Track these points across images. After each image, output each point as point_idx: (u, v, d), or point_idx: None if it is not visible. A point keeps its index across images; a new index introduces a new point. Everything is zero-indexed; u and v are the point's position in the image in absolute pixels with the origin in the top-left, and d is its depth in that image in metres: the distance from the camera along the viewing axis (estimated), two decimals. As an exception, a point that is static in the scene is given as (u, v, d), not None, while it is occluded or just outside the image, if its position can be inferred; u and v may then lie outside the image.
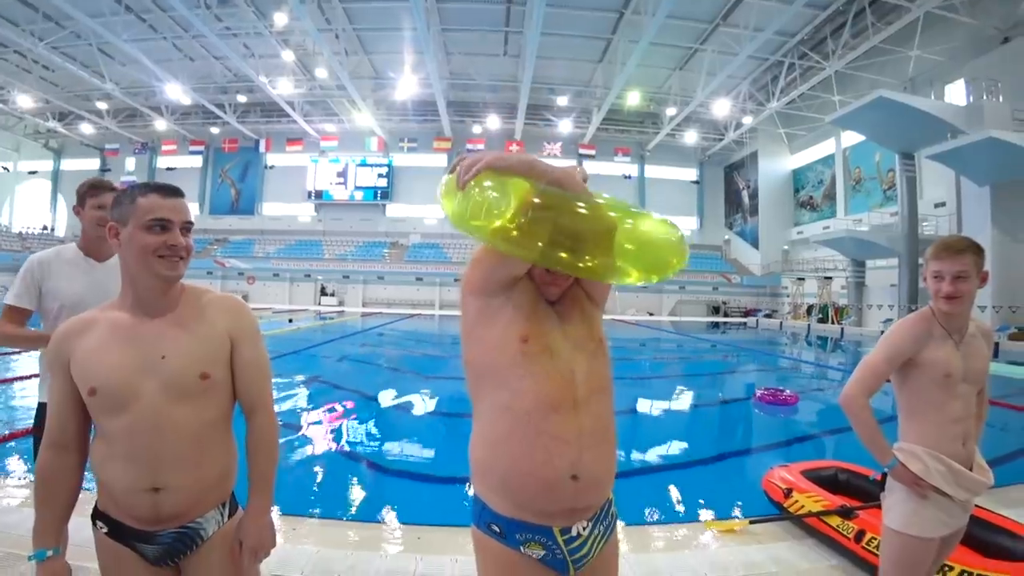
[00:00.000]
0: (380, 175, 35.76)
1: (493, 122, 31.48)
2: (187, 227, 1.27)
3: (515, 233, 1.05)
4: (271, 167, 36.89)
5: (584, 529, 1.23)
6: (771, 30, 19.74)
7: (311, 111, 32.57)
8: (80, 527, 1.38)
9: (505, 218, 1.06)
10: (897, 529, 1.74)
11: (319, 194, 36.00)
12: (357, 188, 35.94)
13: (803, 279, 28.88)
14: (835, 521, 2.90)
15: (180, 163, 36.29)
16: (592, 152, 34.08)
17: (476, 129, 32.95)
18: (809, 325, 24.32)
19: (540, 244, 1.05)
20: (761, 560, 2.78)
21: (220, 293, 1.40)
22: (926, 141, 17.15)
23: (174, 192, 1.28)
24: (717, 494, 4.27)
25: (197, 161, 36.45)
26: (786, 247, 32.30)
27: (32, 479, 2.49)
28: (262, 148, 35.49)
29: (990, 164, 15.39)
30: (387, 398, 7.92)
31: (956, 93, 19.16)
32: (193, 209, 36.12)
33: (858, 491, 3.29)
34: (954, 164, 16.53)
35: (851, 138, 26.09)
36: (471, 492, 1.31)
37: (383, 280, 31.85)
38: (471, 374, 1.30)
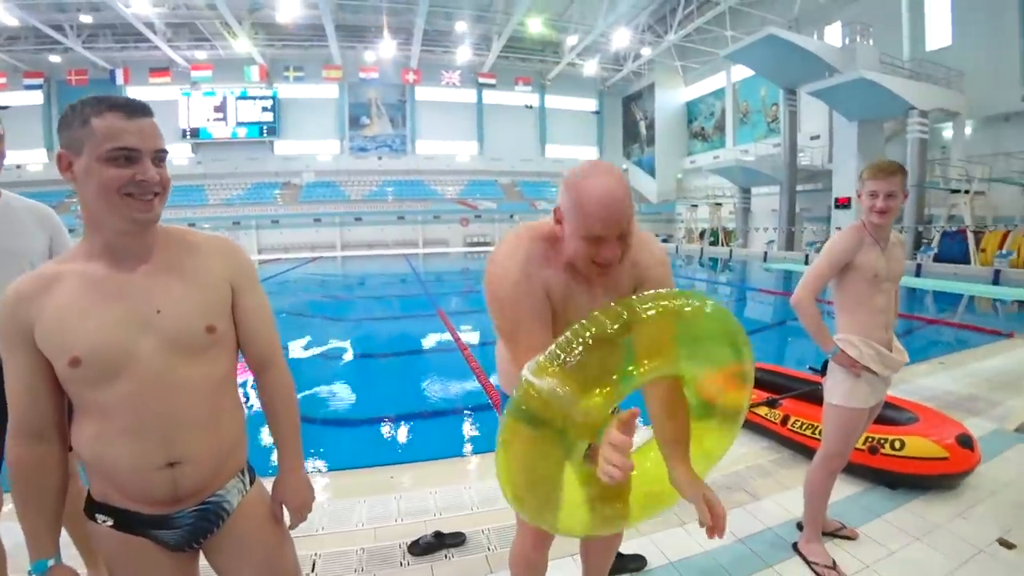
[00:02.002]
0: (265, 108, 32.02)
1: (387, 49, 29.29)
2: (160, 156, 1.03)
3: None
4: None
5: None
6: (673, -40, 19.82)
7: (177, 36, 27.93)
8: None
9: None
10: (838, 404, 2.15)
11: (195, 132, 31.51)
12: (240, 124, 31.93)
13: (696, 206, 30.90)
14: (763, 411, 3.55)
15: (13, 100, 28.80)
16: (492, 81, 33.06)
17: (369, 56, 30.54)
18: (702, 248, 26.25)
19: None
20: None
21: (207, 233, 1.21)
22: (807, 78, 18.49)
23: (140, 110, 1.01)
24: None
25: (36, 97, 29.70)
26: (680, 176, 34.09)
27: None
28: (119, 80, 29.40)
29: (859, 102, 16.98)
30: (306, 347, 7.67)
31: (833, 35, 20.64)
32: (39, 157, 30.37)
33: (774, 386, 3.93)
34: (829, 100, 18.04)
35: (740, 73, 27.49)
36: (502, 389, 1.62)
37: (278, 224, 29.48)
38: None
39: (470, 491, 2.84)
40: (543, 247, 1.27)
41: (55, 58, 28.51)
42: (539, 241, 1.27)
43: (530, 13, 25.66)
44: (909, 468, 2.75)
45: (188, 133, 31.54)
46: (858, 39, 17.73)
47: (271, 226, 29.29)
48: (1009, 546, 2.29)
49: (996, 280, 12.89)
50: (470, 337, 7.83)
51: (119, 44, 28.08)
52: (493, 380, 5.20)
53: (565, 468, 1.10)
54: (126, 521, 1.08)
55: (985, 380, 4.79)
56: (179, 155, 31.61)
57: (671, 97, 33.75)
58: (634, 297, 1.04)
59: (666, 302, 1.04)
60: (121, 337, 1.01)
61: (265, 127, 32.29)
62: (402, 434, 4.41)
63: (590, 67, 33.36)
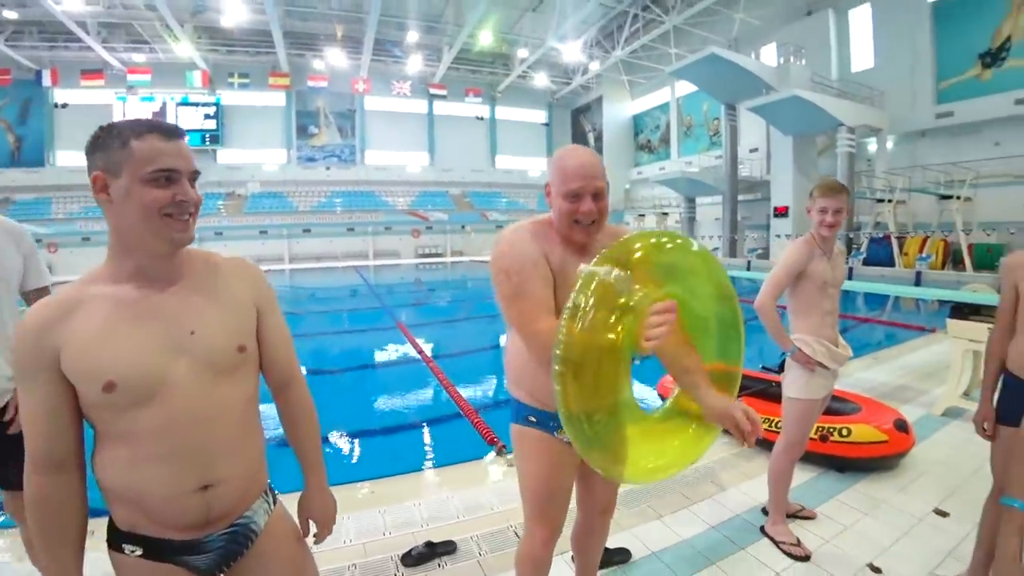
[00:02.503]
0: (207, 115, 30.60)
1: (337, 57, 28.93)
2: (194, 177, 1.05)
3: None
4: (62, 106, 29.21)
5: None
6: (620, -21, 20.62)
7: (112, 36, 26.35)
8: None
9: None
10: (796, 396, 2.42)
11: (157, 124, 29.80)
12: None
13: (643, 215, 31.90)
14: None
15: None
16: (443, 92, 33.14)
17: (318, 64, 30.02)
18: (650, 258, 27.04)
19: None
20: None
21: (229, 256, 1.23)
22: (746, 95, 19.54)
23: (176, 132, 1.03)
24: None
25: None
26: (628, 186, 35.09)
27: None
28: (46, 81, 27.60)
29: (793, 118, 18.10)
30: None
31: (769, 55, 21.93)
32: None
33: None
34: (766, 116, 19.13)
35: (684, 88, 28.70)
36: (513, 395, 1.63)
37: (221, 236, 28.22)
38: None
39: (454, 500, 2.89)
40: (542, 227, 1.48)
41: None
42: (538, 224, 1.49)
43: (481, 26, 25.92)
44: (855, 452, 3.04)
45: None
46: (791, 60, 18.93)
47: (213, 238, 28.09)
48: (943, 514, 2.62)
49: (918, 281, 14.01)
50: (432, 349, 7.84)
51: (47, 43, 26.32)
52: (462, 391, 5.28)
53: (624, 381, 1.19)
54: (156, 549, 1.05)
55: (913, 371, 5.27)
56: None
57: (618, 110, 34.79)
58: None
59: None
60: (157, 359, 1.00)
61: (208, 135, 30.88)
62: (375, 448, 4.40)
63: (540, 80, 34.01)
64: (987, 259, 14.80)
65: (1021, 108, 15.87)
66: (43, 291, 1.88)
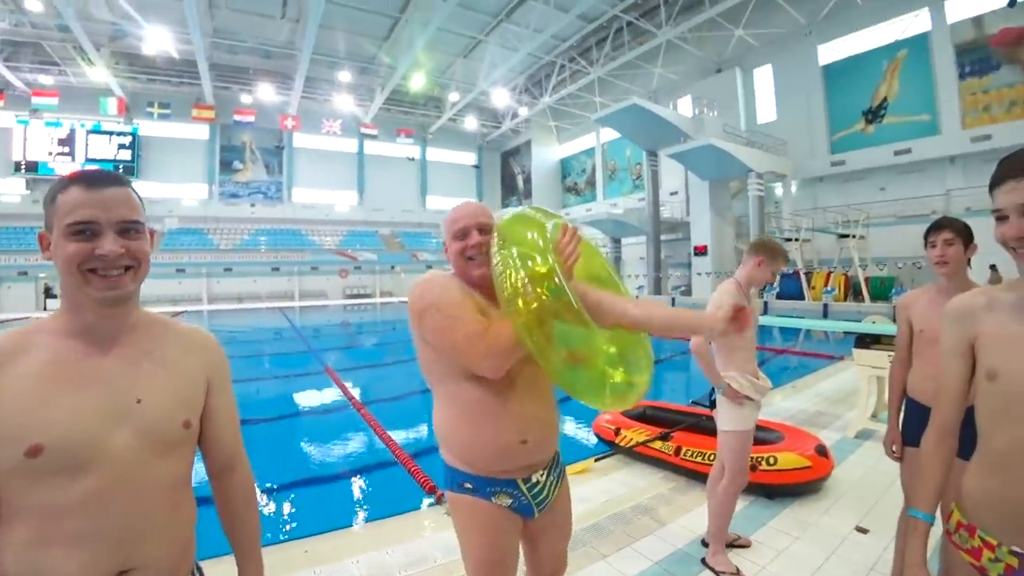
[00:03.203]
0: (122, 145, 28.87)
1: (266, 92, 28.46)
2: (129, 227, 0.95)
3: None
4: None
5: (541, 476, 1.51)
6: (548, 33, 21.86)
7: (17, 55, 24.69)
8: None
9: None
10: (731, 429, 2.54)
11: (33, 166, 27.25)
12: (90, 161, 28.20)
13: (573, 256, 32.72)
14: (658, 445, 3.86)
15: None
16: (375, 132, 33.17)
17: (245, 99, 29.34)
18: (581, 297, 27.69)
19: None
20: (612, 487, 3.56)
21: (186, 324, 1.15)
22: (666, 142, 20.88)
23: (106, 180, 0.94)
24: (561, 444, 4.89)
25: None
26: (580, 235, 36.07)
27: None
28: None
29: (709, 164, 19.49)
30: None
31: (685, 106, 23.65)
32: None
33: (663, 420, 4.35)
34: (684, 162, 20.47)
35: (608, 135, 30.28)
36: (445, 461, 1.51)
37: (133, 272, 26.52)
38: (431, 369, 1.47)
39: (394, 555, 2.75)
40: (450, 277, 1.51)
41: None
42: (447, 275, 1.52)
43: (414, 69, 26.39)
44: (782, 479, 3.18)
45: (24, 166, 27.24)
46: (705, 111, 20.51)
47: (124, 276, 26.15)
48: (864, 531, 2.80)
49: (826, 313, 15.18)
50: (362, 394, 7.56)
51: None
52: (396, 437, 5.08)
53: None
54: None
55: (827, 398, 5.65)
56: (10, 190, 27.14)
57: (546, 154, 36.10)
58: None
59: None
60: (96, 426, 0.90)
61: (122, 165, 28.91)
62: (307, 503, 4.11)
63: (471, 123, 34.84)
64: (881, 290, 16.38)
65: (899, 158, 18.14)
66: None
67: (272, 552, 2.88)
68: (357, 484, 4.37)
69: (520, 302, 1.25)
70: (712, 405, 2.63)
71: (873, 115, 19.10)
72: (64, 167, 27.81)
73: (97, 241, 0.92)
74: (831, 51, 20.32)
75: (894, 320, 2.54)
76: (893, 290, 16.17)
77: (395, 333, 16.08)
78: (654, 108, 20.06)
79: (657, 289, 23.26)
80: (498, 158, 39.94)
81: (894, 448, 2.11)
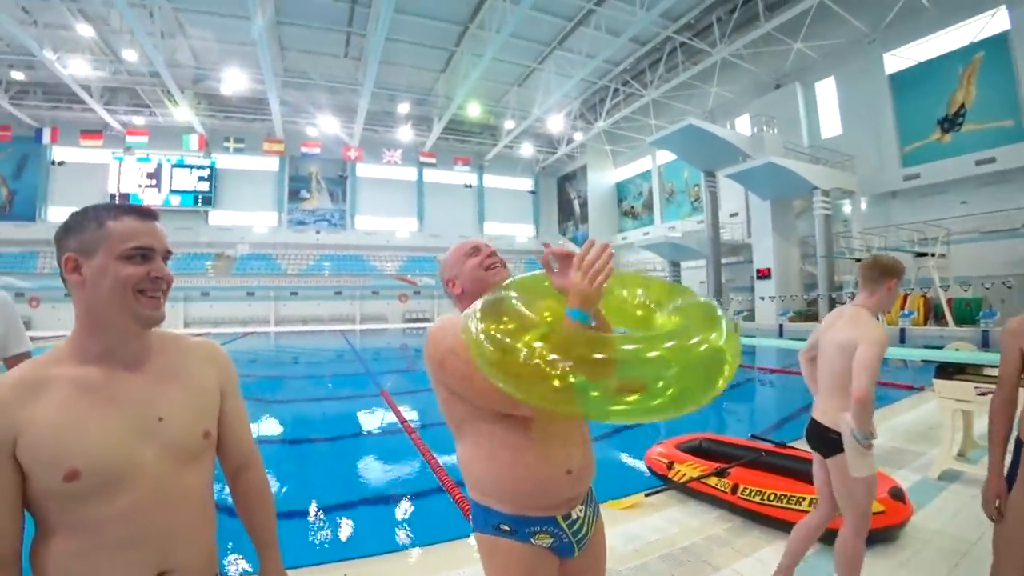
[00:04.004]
0: (201, 178, 31.51)
1: (330, 125, 29.99)
2: (167, 257, 1.08)
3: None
4: (60, 163, 30.11)
5: (580, 511, 1.40)
6: (601, 58, 21.92)
7: (114, 99, 27.49)
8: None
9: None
10: (865, 475, 2.22)
11: (125, 198, 30.14)
12: (173, 192, 31.17)
13: (629, 280, 32.19)
14: (713, 481, 3.56)
15: None
16: (433, 160, 34.24)
17: (312, 132, 31.12)
18: (638, 321, 27.10)
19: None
20: (663, 525, 3.31)
21: (198, 339, 1.23)
22: (723, 162, 20.36)
23: (151, 214, 1.08)
24: (610, 476, 4.69)
25: None
26: (613, 251, 35.65)
27: None
28: (46, 139, 28.45)
29: (769, 183, 18.81)
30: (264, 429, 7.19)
31: (743, 125, 23.05)
32: None
33: (720, 455, 4.06)
34: (744, 182, 19.86)
35: (664, 156, 29.86)
36: (475, 501, 1.40)
37: (208, 297, 28.29)
38: (455, 411, 1.39)
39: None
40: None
41: None
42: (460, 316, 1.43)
43: (470, 98, 27.14)
44: (852, 525, 2.89)
45: (117, 198, 30.00)
46: (764, 129, 19.87)
47: (200, 298, 27.99)
48: None
49: (903, 338, 14.09)
50: (415, 419, 7.61)
51: (50, 103, 27.30)
52: (441, 460, 5.07)
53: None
54: None
55: (905, 432, 5.17)
56: None
57: (602, 178, 35.96)
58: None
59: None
60: (125, 447, 0.98)
61: (200, 196, 31.59)
62: (351, 525, 4.14)
63: (526, 149, 35.29)
64: (966, 313, 15.08)
65: (982, 168, 16.74)
66: (23, 356, 1.90)
67: (312, 572, 2.90)
68: (403, 509, 4.35)
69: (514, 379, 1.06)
70: (824, 448, 2.37)
71: (949, 123, 17.83)
72: (151, 198, 30.62)
73: (151, 264, 1.03)
74: (898, 59, 19.18)
75: (984, 346, 2.23)
76: (981, 313, 14.82)
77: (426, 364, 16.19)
78: (711, 128, 19.66)
79: (717, 313, 22.46)
80: (554, 183, 40.16)
81: (997, 503, 1.78)
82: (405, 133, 31.71)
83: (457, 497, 4.02)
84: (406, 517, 4.22)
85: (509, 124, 31.45)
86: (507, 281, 1.40)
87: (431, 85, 28.60)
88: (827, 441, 2.34)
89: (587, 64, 22.42)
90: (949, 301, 15.04)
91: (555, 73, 24.82)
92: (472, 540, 3.24)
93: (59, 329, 25.05)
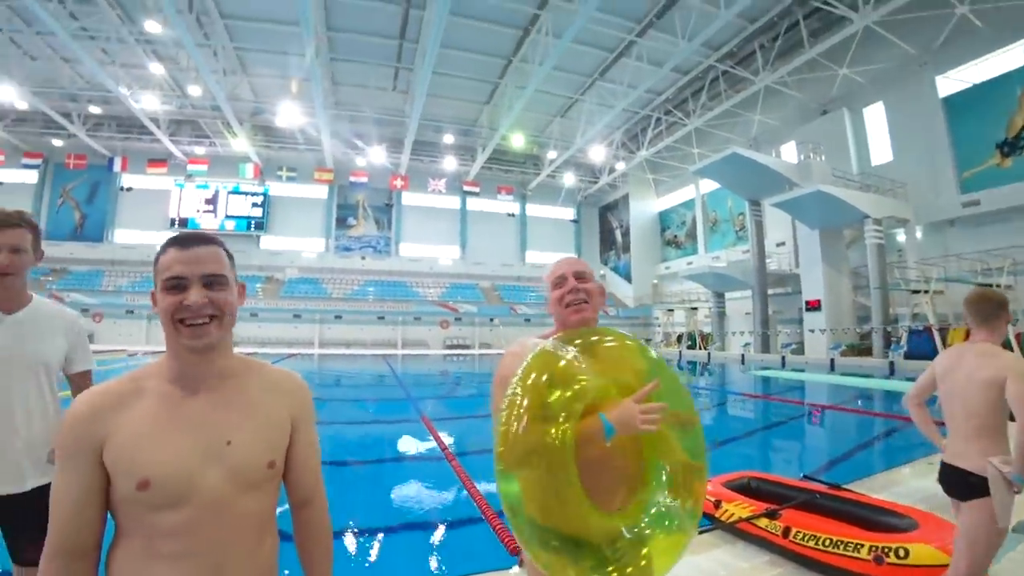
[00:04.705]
0: (255, 204, 33.34)
1: (378, 155, 31.11)
2: (213, 279, 1.07)
3: None
4: (127, 189, 32.70)
5: None
6: (642, 88, 22.09)
7: (179, 130, 29.70)
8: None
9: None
10: (1009, 525, 2.07)
11: (184, 222, 32.38)
12: (228, 217, 33.14)
13: (672, 310, 31.67)
14: (763, 523, 3.36)
15: (8, 177, 30.41)
16: (476, 189, 34.94)
17: (360, 162, 32.32)
18: (680, 351, 26.56)
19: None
20: (709, 566, 3.14)
21: (279, 368, 1.25)
22: (769, 191, 19.96)
23: (196, 240, 1.09)
24: None
25: (31, 176, 31.03)
26: (656, 281, 35.26)
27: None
28: (116, 167, 31.05)
29: (818, 212, 18.29)
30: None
31: (789, 152, 22.65)
32: (22, 236, 31.54)
33: (769, 494, 3.84)
34: (791, 210, 19.39)
35: (708, 185, 29.55)
36: None
37: (256, 318, 29.35)
38: None
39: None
40: (548, 336, 1.51)
41: (57, 142, 30.03)
42: (544, 335, 1.53)
43: (513, 129, 27.70)
44: (915, 577, 2.71)
45: (177, 222, 32.39)
46: (811, 156, 19.43)
47: (249, 319, 29.04)
48: None
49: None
50: (455, 445, 7.60)
51: (121, 134, 29.57)
52: (483, 490, 5.03)
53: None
54: None
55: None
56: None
57: (645, 207, 35.79)
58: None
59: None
60: (191, 466, 1.02)
61: (253, 222, 33.36)
62: (386, 551, 4.14)
63: (568, 179, 35.56)
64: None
65: (1050, 193, 15.73)
66: (86, 375, 2.00)
67: None
68: (439, 536, 4.33)
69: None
70: (965, 491, 2.20)
71: (1010, 147, 16.93)
72: (208, 222, 32.70)
73: (185, 294, 1.05)
74: (951, 82, 18.45)
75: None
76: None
77: (491, 385, 16.15)
78: (755, 156, 19.39)
79: (765, 347, 21.71)
80: (596, 213, 40.22)
81: None
82: (450, 163, 32.54)
83: (497, 528, 3.97)
84: (443, 545, 4.20)
85: (551, 154, 31.85)
86: (578, 339, 1.39)
87: (475, 116, 29.37)
88: (969, 485, 2.16)
89: (629, 94, 22.63)
90: (1018, 336, 14.08)
91: (597, 103, 25.14)
92: (504, 571, 3.21)
93: (119, 343, 26.47)
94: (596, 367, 1.32)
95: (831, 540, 3.02)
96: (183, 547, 1.01)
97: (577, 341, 1.37)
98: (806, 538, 3.17)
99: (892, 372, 14.92)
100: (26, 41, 21.57)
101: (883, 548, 2.79)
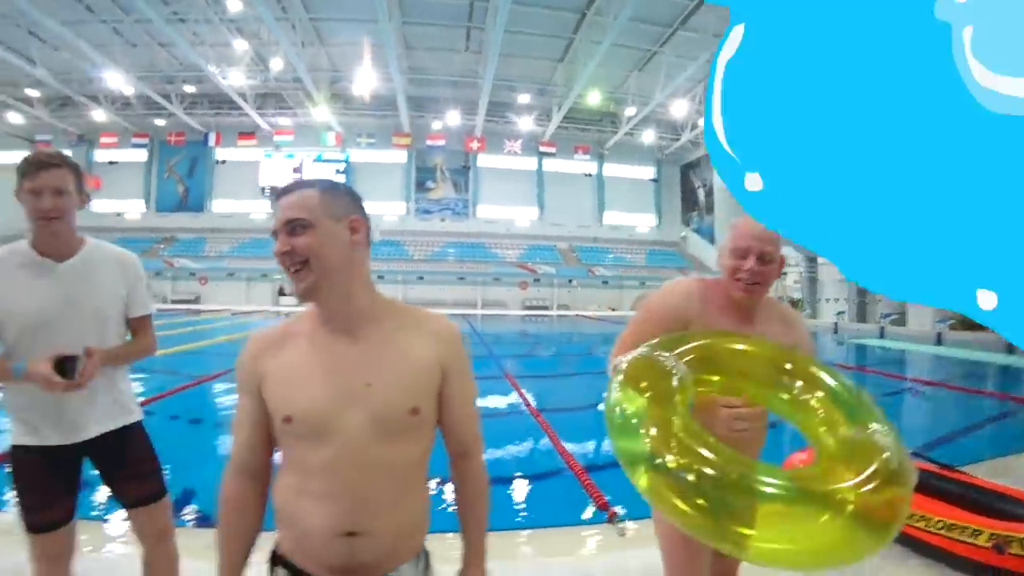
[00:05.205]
0: (337, 171, 34.52)
1: (453, 118, 31.18)
2: (295, 224, 1.05)
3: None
4: (222, 162, 35.10)
5: None
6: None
7: (264, 104, 31.23)
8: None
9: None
10: None
11: (273, 191, 34.48)
12: None
13: (758, 274, 30.11)
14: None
15: (122, 156, 33.84)
16: (552, 150, 34.40)
17: (436, 125, 32.58)
18: (765, 318, 25.33)
19: None
20: None
21: (430, 312, 1.24)
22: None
23: (285, 190, 1.11)
24: None
25: (141, 155, 34.18)
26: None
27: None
28: (211, 142, 33.52)
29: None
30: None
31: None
32: (138, 207, 34.35)
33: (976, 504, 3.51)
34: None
35: (801, 140, 27.37)
36: None
37: (343, 279, 31.05)
38: None
39: (554, 569, 2.77)
40: (706, 286, 1.58)
41: (160, 121, 32.44)
42: (705, 282, 1.60)
43: (589, 86, 26.83)
44: (1043, 567, 2.53)
45: (267, 191, 34.53)
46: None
47: (336, 280, 30.70)
48: None
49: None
50: (538, 401, 7.77)
51: (214, 110, 31.62)
52: (569, 447, 5.13)
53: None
54: None
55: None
56: (257, 210, 34.60)
57: (729, 164, 33.82)
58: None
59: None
60: (331, 406, 1.06)
61: None
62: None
63: (648, 136, 34.10)
64: None
65: None
66: (144, 319, 1.93)
67: (435, 539, 3.09)
68: (526, 488, 4.48)
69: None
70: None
71: None
72: None
73: (277, 245, 1.08)
74: None
75: None
76: None
77: (570, 345, 16.26)
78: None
79: (862, 316, 20.32)
80: (677, 172, 38.48)
81: None
82: (525, 123, 32.13)
83: (585, 483, 4.05)
84: (531, 497, 4.34)
85: (630, 111, 30.61)
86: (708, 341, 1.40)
87: (550, 75, 28.63)
88: None
89: (712, 44, 20.95)
90: None
91: (677, 56, 23.70)
92: (592, 526, 3.28)
93: (223, 304, 28.88)
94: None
95: (944, 523, 2.86)
96: (326, 486, 1.05)
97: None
98: (914, 518, 3.02)
99: (1011, 349, 13.54)
100: (127, 30, 23.43)
101: (1005, 536, 2.60)
